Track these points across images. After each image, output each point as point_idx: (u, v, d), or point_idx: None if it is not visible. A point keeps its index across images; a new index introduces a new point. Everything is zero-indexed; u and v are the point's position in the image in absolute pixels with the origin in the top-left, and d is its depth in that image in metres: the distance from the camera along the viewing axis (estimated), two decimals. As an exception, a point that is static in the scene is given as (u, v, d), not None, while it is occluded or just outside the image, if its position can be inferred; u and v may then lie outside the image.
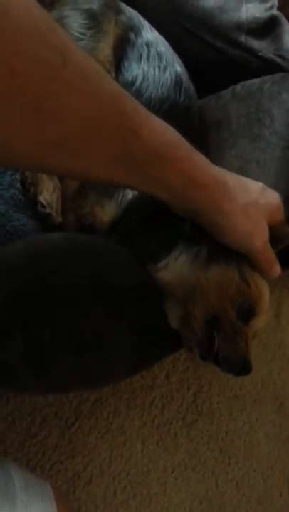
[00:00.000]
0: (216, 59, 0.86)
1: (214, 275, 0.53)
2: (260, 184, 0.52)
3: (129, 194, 0.63)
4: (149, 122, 0.39)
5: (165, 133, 0.41)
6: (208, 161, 0.47)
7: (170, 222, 0.58)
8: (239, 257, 0.54)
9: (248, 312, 0.54)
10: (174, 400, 0.84)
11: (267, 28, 0.81)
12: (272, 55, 0.83)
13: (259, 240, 0.51)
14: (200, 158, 0.46)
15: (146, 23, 0.70)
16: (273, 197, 0.53)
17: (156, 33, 0.70)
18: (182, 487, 0.81)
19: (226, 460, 0.87)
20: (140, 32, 0.67)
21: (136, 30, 0.67)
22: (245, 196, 0.49)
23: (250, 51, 0.83)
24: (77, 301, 0.49)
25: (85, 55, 0.34)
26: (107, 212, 0.64)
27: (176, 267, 0.56)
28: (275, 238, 0.55)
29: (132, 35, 0.66)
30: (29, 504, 0.48)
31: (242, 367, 0.53)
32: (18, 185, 0.62)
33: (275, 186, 0.78)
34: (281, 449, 0.95)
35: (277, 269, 0.56)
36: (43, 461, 0.70)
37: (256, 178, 0.77)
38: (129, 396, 0.79)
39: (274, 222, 0.53)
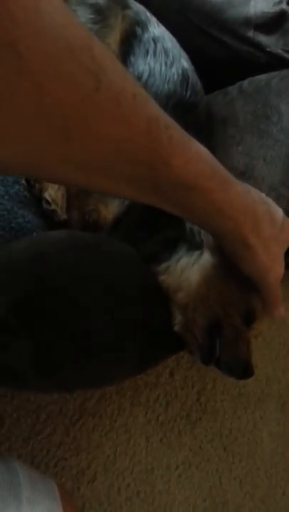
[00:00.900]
0: (224, 54, 0.85)
1: (216, 281, 0.53)
2: (281, 211, 0.50)
3: None
4: (183, 151, 0.38)
5: (199, 164, 0.39)
6: (243, 189, 0.45)
7: (171, 222, 0.57)
8: None
9: (249, 317, 0.54)
10: (178, 398, 0.84)
11: (275, 23, 0.80)
12: (280, 51, 0.82)
13: (273, 275, 0.50)
14: (234, 189, 0.44)
15: (153, 19, 0.69)
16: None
17: (163, 29, 0.70)
18: (186, 485, 0.81)
19: (230, 458, 0.87)
20: (147, 27, 0.66)
21: (143, 25, 0.66)
22: (271, 229, 0.47)
23: (258, 46, 0.82)
24: (82, 302, 0.49)
25: (123, 78, 0.32)
26: (110, 210, 0.63)
27: (176, 271, 0.56)
28: None
29: (138, 30, 0.65)
30: (35, 502, 0.48)
31: (243, 371, 0.54)
32: (23, 181, 0.62)
33: (282, 183, 0.77)
34: (285, 447, 0.94)
35: (281, 311, 0.55)
36: (47, 458, 0.70)
37: (263, 175, 0.76)
38: (133, 393, 0.79)
39: None
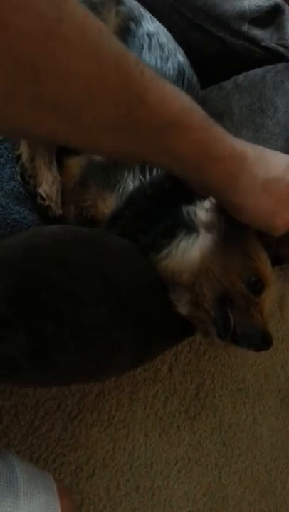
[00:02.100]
0: (219, 49, 0.85)
1: (217, 255, 0.53)
2: (287, 160, 0.47)
3: (130, 186, 0.62)
4: (157, 87, 0.36)
5: (175, 99, 0.38)
6: (225, 132, 0.43)
7: (169, 211, 0.57)
8: (240, 234, 0.53)
9: (256, 284, 0.52)
10: (176, 393, 0.84)
11: (270, 16, 0.80)
12: (275, 45, 0.82)
13: (281, 219, 0.47)
14: (216, 129, 0.42)
15: (147, 14, 0.69)
16: None
17: (157, 23, 0.70)
18: (185, 479, 0.81)
19: (229, 453, 0.87)
20: (141, 22, 0.66)
21: (136, 20, 0.66)
22: (268, 172, 0.44)
23: (253, 41, 0.82)
24: (78, 293, 0.49)
25: (86, 12, 0.31)
26: (108, 204, 0.63)
27: (177, 254, 0.55)
28: None
29: (132, 26, 0.65)
30: (32, 495, 0.48)
31: (261, 340, 0.51)
32: (18, 177, 0.62)
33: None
34: (284, 441, 0.95)
35: None
36: (46, 453, 0.70)
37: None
38: (131, 389, 0.79)
39: None
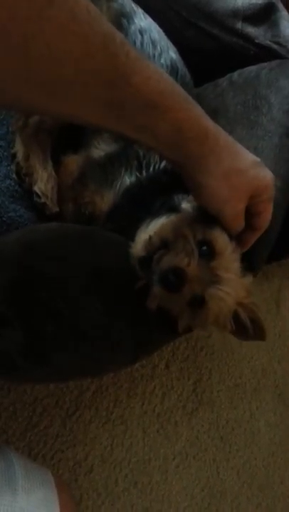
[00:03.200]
0: (213, 47, 0.85)
1: (181, 215, 0.53)
2: (256, 159, 0.50)
3: (127, 182, 0.63)
4: (142, 68, 0.38)
5: (159, 81, 0.40)
6: (205, 114, 0.45)
7: (166, 204, 0.57)
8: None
9: (208, 250, 0.52)
10: (174, 389, 0.84)
11: (263, 14, 0.80)
12: (269, 42, 0.82)
13: (231, 208, 0.50)
14: (195, 110, 0.44)
15: (139, 10, 0.69)
16: (266, 175, 0.51)
17: (149, 20, 0.69)
18: (183, 475, 0.82)
19: (227, 448, 0.88)
20: (133, 19, 0.66)
21: (128, 16, 0.66)
22: (233, 162, 0.47)
23: (246, 38, 0.82)
24: (74, 290, 0.49)
25: None
26: (106, 200, 0.63)
27: (149, 224, 0.55)
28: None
29: (124, 22, 0.65)
30: (30, 491, 0.48)
31: (172, 271, 0.49)
32: (14, 176, 0.62)
33: (273, 173, 0.77)
34: (282, 436, 0.95)
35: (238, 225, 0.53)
36: (44, 450, 0.70)
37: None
38: (129, 385, 0.79)
39: (259, 199, 0.51)
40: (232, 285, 0.53)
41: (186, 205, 0.57)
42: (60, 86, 0.35)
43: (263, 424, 0.93)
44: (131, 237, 0.57)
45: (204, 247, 0.52)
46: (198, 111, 0.44)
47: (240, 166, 0.48)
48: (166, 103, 0.41)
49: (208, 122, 0.45)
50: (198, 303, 0.52)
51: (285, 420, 0.97)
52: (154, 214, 0.56)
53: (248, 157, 0.49)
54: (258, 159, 0.50)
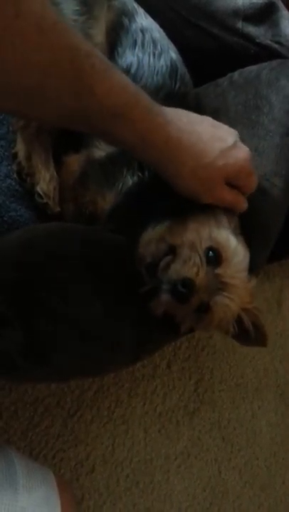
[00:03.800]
0: (214, 46, 0.85)
1: (190, 221, 0.54)
2: (226, 144, 0.52)
3: (129, 182, 0.63)
4: (106, 80, 0.40)
5: (122, 93, 0.42)
6: (168, 122, 0.47)
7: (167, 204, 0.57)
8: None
9: (215, 257, 0.52)
10: (175, 389, 0.84)
11: (264, 13, 0.80)
12: (269, 42, 0.82)
13: (208, 198, 0.53)
14: (158, 119, 0.46)
15: (140, 9, 0.69)
16: (238, 158, 0.53)
17: (150, 20, 0.69)
18: (185, 475, 0.82)
19: (229, 448, 0.88)
20: (134, 17, 0.66)
21: (130, 15, 0.66)
22: (197, 160, 0.50)
23: (247, 38, 0.82)
24: (74, 289, 0.50)
25: (43, 5, 0.34)
26: (108, 200, 0.63)
27: (156, 228, 0.55)
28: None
29: (125, 21, 0.65)
30: (31, 489, 0.48)
31: (182, 283, 0.48)
32: (15, 175, 0.62)
33: (274, 173, 0.77)
34: (284, 436, 0.95)
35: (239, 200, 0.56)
36: (46, 450, 0.71)
37: (255, 166, 0.77)
38: (130, 385, 0.79)
39: (237, 179, 0.54)
40: (237, 292, 0.53)
41: (190, 205, 0.57)
42: (28, 94, 0.37)
43: (265, 424, 0.93)
44: (133, 237, 0.57)
45: (211, 253, 0.52)
46: (160, 119, 0.47)
47: (205, 161, 0.50)
48: (129, 114, 0.44)
49: (171, 129, 0.48)
50: (204, 309, 0.52)
51: (287, 420, 0.97)
52: (159, 216, 0.56)
53: (215, 149, 0.51)
54: (230, 143, 0.53)
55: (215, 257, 0.52)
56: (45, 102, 0.38)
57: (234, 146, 0.53)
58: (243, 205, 0.57)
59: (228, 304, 0.52)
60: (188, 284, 0.49)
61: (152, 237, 0.54)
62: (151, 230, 0.55)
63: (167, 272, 0.50)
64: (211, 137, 0.52)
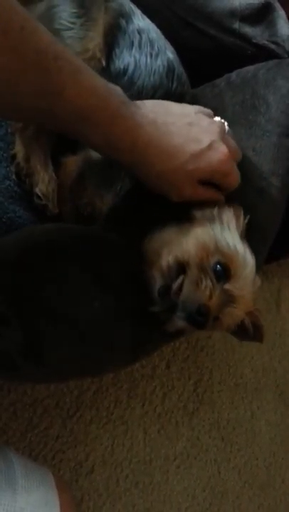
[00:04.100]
0: (210, 47, 0.85)
1: (195, 231, 0.53)
2: (195, 148, 0.51)
3: (128, 183, 0.63)
4: (74, 84, 0.41)
5: (90, 96, 0.43)
6: (136, 126, 0.47)
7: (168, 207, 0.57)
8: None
9: (221, 269, 0.52)
10: (174, 389, 0.84)
11: (261, 14, 0.80)
12: (266, 42, 0.82)
13: (178, 198, 0.53)
14: (125, 123, 0.46)
15: (137, 10, 0.69)
16: (211, 162, 0.52)
17: (147, 20, 0.70)
18: (184, 475, 0.82)
19: (228, 448, 0.88)
20: (131, 19, 0.66)
21: (127, 17, 0.66)
22: (165, 164, 0.50)
23: (244, 38, 0.82)
24: (73, 290, 0.50)
25: (11, 10, 0.35)
26: (106, 202, 0.64)
27: (161, 235, 0.55)
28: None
29: (123, 22, 0.65)
30: (30, 490, 0.48)
31: (197, 311, 0.49)
32: (14, 176, 0.63)
33: (272, 173, 0.77)
34: (283, 436, 0.95)
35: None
36: (45, 451, 0.70)
37: (253, 166, 0.77)
38: (129, 386, 0.79)
39: (213, 180, 0.53)
40: (245, 302, 0.54)
41: (197, 213, 0.56)
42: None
43: (264, 424, 0.93)
44: (131, 239, 0.57)
45: (219, 267, 0.52)
46: (130, 123, 0.47)
47: (174, 164, 0.50)
48: (95, 118, 0.44)
49: (139, 133, 0.48)
50: (213, 319, 0.53)
51: (286, 420, 0.97)
52: (162, 221, 0.56)
53: (186, 152, 0.51)
54: (204, 145, 0.51)
55: (223, 271, 0.52)
56: (15, 105, 0.39)
57: (209, 148, 0.52)
58: (219, 198, 0.56)
59: (237, 314, 0.54)
60: (203, 311, 0.50)
61: (158, 248, 0.53)
62: (158, 238, 0.55)
63: (180, 296, 0.50)
64: (184, 139, 0.51)
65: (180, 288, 0.50)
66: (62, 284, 0.48)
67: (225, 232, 0.54)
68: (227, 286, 0.52)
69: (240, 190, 0.60)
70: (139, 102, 0.51)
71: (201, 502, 0.82)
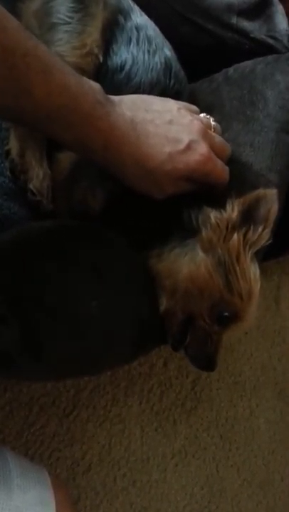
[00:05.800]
0: (208, 42, 0.84)
1: (201, 279, 0.54)
2: (173, 149, 0.50)
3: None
4: (44, 82, 0.40)
5: (60, 95, 0.41)
6: (110, 126, 0.46)
7: (167, 210, 0.57)
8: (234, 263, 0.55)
9: (225, 318, 0.55)
10: (172, 387, 0.84)
11: (258, 8, 0.80)
12: (264, 37, 0.81)
13: (161, 196, 0.52)
14: (98, 124, 0.45)
15: (135, 7, 0.69)
16: (189, 161, 0.50)
17: (145, 17, 0.69)
18: (182, 473, 0.81)
19: (227, 446, 0.87)
20: (129, 15, 0.66)
21: (125, 13, 0.65)
22: (139, 165, 0.49)
23: (242, 33, 0.82)
24: (71, 287, 0.49)
25: None
26: (98, 200, 0.63)
27: (169, 259, 0.56)
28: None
29: (121, 19, 0.64)
30: (26, 489, 0.48)
31: (206, 364, 0.57)
32: (8, 173, 0.62)
33: (269, 169, 0.77)
34: (282, 434, 0.95)
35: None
36: (41, 449, 0.70)
37: (250, 162, 0.76)
38: (127, 384, 0.79)
39: (193, 179, 0.52)
40: (248, 318, 0.57)
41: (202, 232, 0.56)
42: None
43: (263, 422, 0.93)
44: (126, 234, 0.57)
45: (226, 314, 0.55)
46: (103, 124, 0.46)
47: (149, 166, 0.49)
48: (66, 118, 0.43)
49: (112, 134, 0.47)
50: None
51: (285, 418, 0.96)
52: (160, 230, 0.56)
53: (163, 153, 0.49)
54: (182, 145, 0.50)
55: (230, 316, 0.55)
56: None
57: (187, 148, 0.50)
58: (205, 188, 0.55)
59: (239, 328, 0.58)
60: (211, 362, 0.56)
61: (167, 275, 0.55)
62: (165, 259, 0.56)
63: (188, 351, 0.57)
64: (162, 139, 0.50)
65: (187, 340, 0.55)
66: (63, 282, 0.48)
67: (231, 271, 0.54)
68: (233, 326, 0.56)
69: (238, 186, 0.60)
70: (117, 100, 0.49)
71: (199, 500, 0.82)
